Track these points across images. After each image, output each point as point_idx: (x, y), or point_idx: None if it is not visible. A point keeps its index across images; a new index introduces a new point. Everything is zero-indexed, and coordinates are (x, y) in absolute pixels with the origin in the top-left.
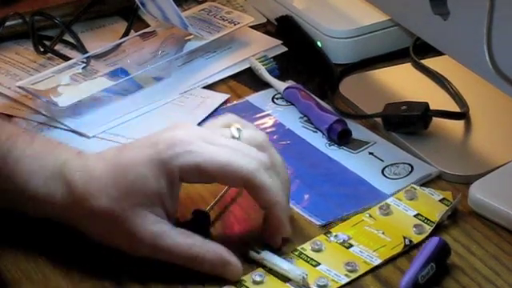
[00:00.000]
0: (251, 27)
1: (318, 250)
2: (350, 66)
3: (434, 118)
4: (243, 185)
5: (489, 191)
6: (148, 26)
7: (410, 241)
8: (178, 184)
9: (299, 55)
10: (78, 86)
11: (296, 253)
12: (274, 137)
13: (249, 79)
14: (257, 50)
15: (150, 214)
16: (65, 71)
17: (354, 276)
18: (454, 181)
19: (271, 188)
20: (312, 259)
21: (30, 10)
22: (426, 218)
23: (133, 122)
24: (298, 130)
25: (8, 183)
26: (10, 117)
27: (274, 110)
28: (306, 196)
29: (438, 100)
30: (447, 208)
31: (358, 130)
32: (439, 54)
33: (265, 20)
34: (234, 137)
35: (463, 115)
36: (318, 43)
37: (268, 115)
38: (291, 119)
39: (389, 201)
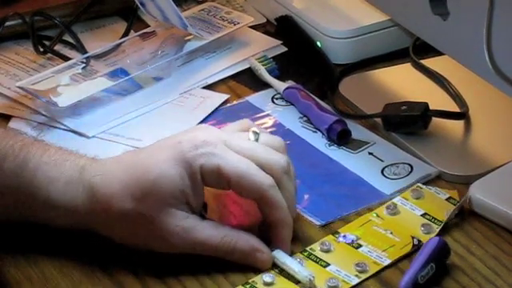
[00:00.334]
0: (251, 27)
1: (327, 251)
2: (350, 66)
3: (434, 118)
4: (257, 198)
5: (489, 191)
6: (148, 26)
7: (419, 241)
8: (201, 184)
9: (299, 55)
10: (78, 86)
11: (305, 253)
12: None
13: (249, 79)
14: (256, 50)
15: (176, 210)
16: (64, 71)
17: (364, 276)
18: (453, 181)
19: (282, 207)
20: (321, 260)
21: (29, 10)
22: (433, 218)
23: (133, 122)
24: (298, 130)
25: (29, 193)
26: (9, 117)
27: (274, 110)
28: (306, 196)
29: (438, 100)
30: (454, 207)
31: (357, 130)
32: (439, 54)
33: (265, 20)
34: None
35: (463, 115)
36: (318, 43)
37: (268, 115)
38: (291, 119)
39: (396, 200)
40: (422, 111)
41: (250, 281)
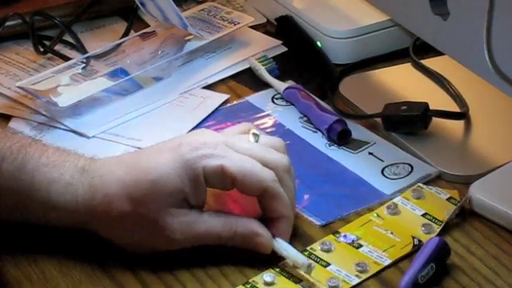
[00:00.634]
0: (251, 27)
1: (328, 251)
2: (350, 66)
3: (434, 118)
4: (260, 193)
5: (489, 191)
6: (148, 26)
7: (419, 241)
8: (204, 186)
9: (299, 55)
10: (78, 86)
11: (306, 253)
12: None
13: (249, 79)
14: (257, 50)
15: (176, 209)
16: (65, 71)
17: (364, 276)
18: (453, 181)
19: (284, 200)
20: (322, 259)
21: (30, 10)
22: (433, 218)
23: (133, 122)
24: (298, 130)
25: (28, 195)
26: (10, 117)
27: (274, 110)
28: (306, 196)
29: (438, 100)
30: (455, 207)
31: (357, 130)
32: (439, 54)
33: (265, 20)
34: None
35: (463, 115)
36: (318, 43)
37: (268, 115)
38: (291, 119)
39: (396, 200)
40: (422, 111)
41: (250, 280)
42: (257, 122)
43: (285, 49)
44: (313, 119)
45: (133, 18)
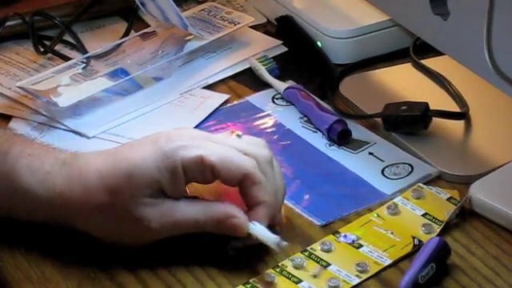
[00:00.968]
0: (251, 27)
1: (328, 251)
2: (350, 66)
3: (434, 118)
4: (241, 179)
5: (489, 191)
6: (148, 26)
7: (420, 241)
8: (182, 178)
9: (299, 55)
10: (78, 87)
11: (306, 253)
12: (274, 137)
13: (249, 79)
14: (257, 50)
15: (151, 199)
16: (65, 71)
17: (365, 276)
18: (453, 181)
19: (264, 186)
20: (322, 260)
21: (30, 10)
22: (434, 218)
23: (133, 122)
24: (298, 130)
25: (10, 181)
26: (10, 117)
27: (274, 110)
28: (306, 196)
29: (438, 100)
30: (455, 207)
31: (357, 130)
32: (439, 54)
33: (265, 20)
34: None
35: (463, 115)
36: (318, 43)
37: (268, 115)
38: (291, 119)
39: (396, 200)
40: (422, 111)
41: (250, 280)
42: (257, 122)
43: (285, 49)
44: (313, 119)
45: (133, 18)
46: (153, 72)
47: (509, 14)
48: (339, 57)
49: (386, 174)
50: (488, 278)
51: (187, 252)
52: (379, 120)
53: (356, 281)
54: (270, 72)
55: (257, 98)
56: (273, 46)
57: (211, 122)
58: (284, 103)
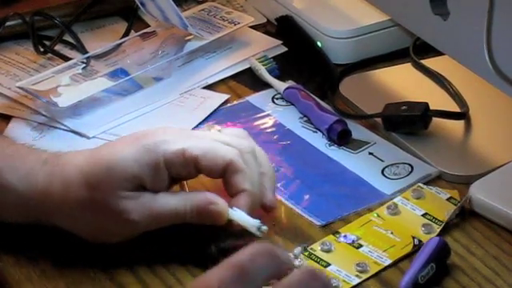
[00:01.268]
0: (251, 27)
1: (328, 251)
2: (350, 66)
3: (434, 118)
4: (224, 169)
5: (489, 191)
6: (148, 26)
7: (420, 241)
8: (165, 173)
9: (299, 55)
10: (78, 87)
11: (306, 253)
12: (274, 137)
13: (249, 79)
14: (257, 50)
15: (131, 192)
16: (65, 71)
17: (365, 277)
18: (454, 181)
19: (246, 174)
20: (322, 260)
21: (30, 10)
22: (434, 218)
23: (133, 122)
24: (298, 130)
25: None
26: (10, 117)
27: (274, 110)
28: (306, 196)
29: (438, 100)
30: (455, 207)
31: (357, 130)
32: (439, 54)
33: (265, 20)
34: None
35: (463, 115)
36: (318, 43)
37: (268, 115)
38: (291, 119)
39: (396, 200)
40: (422, 111)
41: None
42: (257, 122)
43: (285, 49)
44: (313, 119)
45: (133, 18)
46: (153, 72)
47: (509, 14)
48: (339, 57)
49: (386, 174)
50: (488, 278)
51: (187, 252)
52: (379, 120)
53: (356, 281)
54: (270, 72)
55: (257, 98)
56: (273, 45)
57: (211, 122)
58: (284, 103)
